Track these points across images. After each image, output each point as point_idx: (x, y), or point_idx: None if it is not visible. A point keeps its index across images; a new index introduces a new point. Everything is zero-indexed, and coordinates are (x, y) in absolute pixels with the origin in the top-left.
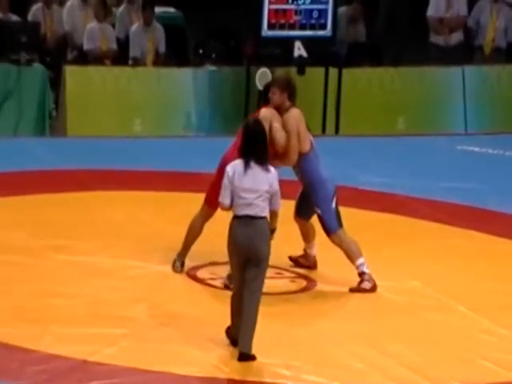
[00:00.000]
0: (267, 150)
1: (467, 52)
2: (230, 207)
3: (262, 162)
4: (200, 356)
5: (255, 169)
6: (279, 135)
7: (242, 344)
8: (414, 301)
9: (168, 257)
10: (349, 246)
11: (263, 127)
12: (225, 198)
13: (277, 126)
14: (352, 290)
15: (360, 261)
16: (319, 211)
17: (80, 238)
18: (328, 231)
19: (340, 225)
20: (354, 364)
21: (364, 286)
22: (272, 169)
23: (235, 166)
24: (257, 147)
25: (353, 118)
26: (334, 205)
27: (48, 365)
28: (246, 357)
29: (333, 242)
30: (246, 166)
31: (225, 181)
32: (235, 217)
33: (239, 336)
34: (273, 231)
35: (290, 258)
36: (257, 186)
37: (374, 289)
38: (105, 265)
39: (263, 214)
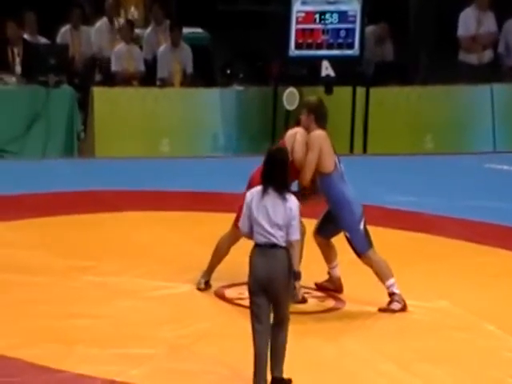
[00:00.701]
0: (287, 179)
1: (497, 71)
2: (250, 234)
3: (281, 190)
4: (230, 376)
5: (273, 197)
6: (298, 147)
7: (275, 370)
8: (442, 320)
9: (194, 277)
10: (379, 266)
11: (285, 155)
12: (244, 225)
13: (299, 139)
14: (381, 310)
15: (390, 281)
16: (348, 234)
17: (105, 258)
18: (358, 253)
19: (370, 245)
20: None
21: (394, 306)
22: (291, 197)
23: (254, 192)
24: (276, 175)
25: (380, 137)
26: (362, 226)
27: None
28: (279, 381)
29: (364, 262)
30: (264, 193)
31: (244, 207)
32: (255, 245)
33: (272, 364)
34: (296, 274)
35: (316, 285)
36: (272, 214)
37: (403, 309)
38: (130, 285)
39: (281, 244)
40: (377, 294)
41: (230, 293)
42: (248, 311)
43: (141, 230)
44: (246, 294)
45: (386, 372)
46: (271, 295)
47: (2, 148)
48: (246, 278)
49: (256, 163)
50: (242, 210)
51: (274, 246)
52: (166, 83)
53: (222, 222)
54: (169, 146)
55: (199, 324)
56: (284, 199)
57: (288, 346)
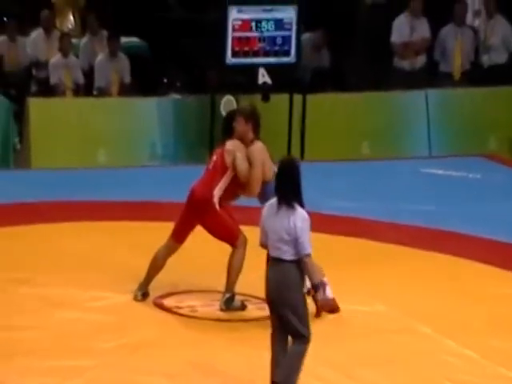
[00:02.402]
0: (297, 191)
1: (433, 77)
2: (267, 246)
3: (289, 203)
4: None
5: (282, 210)
6: (240, 164)
7: (278, 374)
8: (379, 324)
9: (132, 287)
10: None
11: (294, 167)
12: (261, 237)
13: (239, 155)
14: (317, 316)
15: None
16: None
17: (43, 270)
18: (304, 255)
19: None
20: None
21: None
22: (299, 211)
23: (268, 205)
24: (285, 188)
25: (317, 143)
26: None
27: None
28: None
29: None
30: (276, 207)
31: (260, 220)
32: (268, 257)
33: (278, 366)
34: (314, 287)
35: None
36: (278, 227)
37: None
38: (67, 296)
39: (288, 258)
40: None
41: (168, 302)
42: (188, 320)
43: (78, 241)
44: (185, 303)
45: (323, 377)
46: (280, 307)
47: None
48: (184, 287)
49: (194, 172)
50: (180, 222)
51: (281, 260)
52: (103, 93)
53: (160, 231)
54: (106, 156)
55: (138, 334)
56: (292, 214)
57: (226, 353)
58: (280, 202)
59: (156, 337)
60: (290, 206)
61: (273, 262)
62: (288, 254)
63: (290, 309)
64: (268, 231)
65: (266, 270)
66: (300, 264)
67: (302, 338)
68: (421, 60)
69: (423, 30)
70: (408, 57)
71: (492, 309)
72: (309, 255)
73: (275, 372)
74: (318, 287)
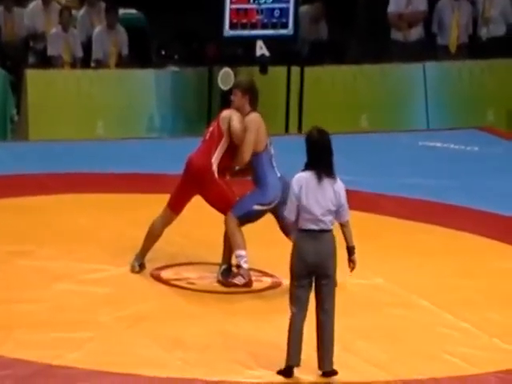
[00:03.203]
0: (332, 161)
1: (430, 50)
2: (296, 222)
3: (330, 174)
4: (166, 357)
5: (324, 183)
6: (235, 124)
7: (326, 364)
8: (377, 297)
9: (131, 259)
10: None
11: (328, 137)
12: (291, 213)
13: (235, 117)
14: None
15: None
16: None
17: (42, 242)
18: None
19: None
20: None
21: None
22: (338, 180)
23: (302, 180)
24: (325, 159)
25: (316, 116)
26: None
27: (11, 370)
28: (330, 374)
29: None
30: (316, 180)
31: (291, 196)
32: (301, 230)
33: (322, 356)
34: (350, 249)
35: None
36: (326, 201)
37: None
38: (67, 269)
39: (329, 227)
40: None
41: (166, 274)
42: (185, 292)
43: (76, 213)
44: (183, 275)
45: None
46: (321, 278)
47: None
48: (181, 259)
49: (192, 144)
50: (177, 192)
51: (322, 230)
52: (101, 65)
53: (158, 203)
54: (104, 128)
55: (136, 306)
56: (334, 183)
57: (224, 325)
58: (320, 174)
59: (154, 309)
60: (332, 177)
61: (312, 233)
62: (330, 224)
63: (332, 276)
64: (309, 206)
65: (297, 241)
66: (333, 232)
67: (333, 307)
68: (416, 32)
69: (419, 2)
70: (402, 28)
71: (491, 282)
72: (348, 220)
73: (325, 359)
74: (353, 249)
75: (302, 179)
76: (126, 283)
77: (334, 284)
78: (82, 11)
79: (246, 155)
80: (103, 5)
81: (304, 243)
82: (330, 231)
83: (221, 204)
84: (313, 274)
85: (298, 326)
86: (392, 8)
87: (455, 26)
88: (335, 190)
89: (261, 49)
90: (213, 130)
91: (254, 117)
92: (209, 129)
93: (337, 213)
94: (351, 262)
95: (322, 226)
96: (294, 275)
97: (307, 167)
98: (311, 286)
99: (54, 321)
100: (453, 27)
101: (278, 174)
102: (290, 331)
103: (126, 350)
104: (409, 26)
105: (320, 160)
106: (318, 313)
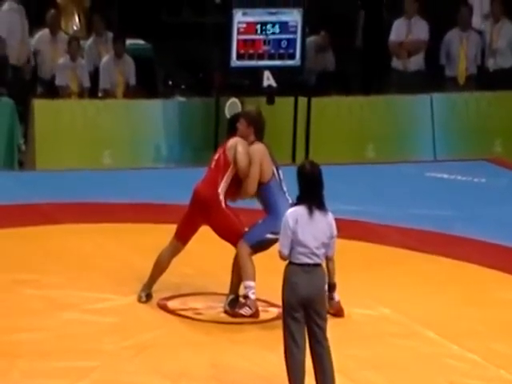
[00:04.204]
0: (323, 194)
1: (438, 81)
2: (290, 256)
3: (322, 206)
4: None
5: (317, 215)
6: (241, 157)
7: None
8: (383, 327)
9: (137, 289)
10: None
11: (320, 170)
12: (284, 248)
13: (240, 149)
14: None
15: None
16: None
17: (48, 271)
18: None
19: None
20: None
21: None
22: (329, 212)
23: (296, 214)
24: (317, 192)
25: (322, 146)
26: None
27: None
28: None
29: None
30: (309, 213)
31: (286, 230)
32: (293, 263)
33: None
34: (332, 286)
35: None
36: (319, 233)
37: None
38: (72, 298)
39: (321, 261)
40: None
41: (172, 304)
42: (191, 322)
43: (83, 242)
44: (189, 305)
45: None
46: (313, 312)
47: None
48: (188, 289)
49: (199, 174)
50: (184, 222)
51: (316, 264)
52: (108, 95)
53: (165, 233)
54: (111, 158)
55: (142, 335)
56: (325, 216)
57: (229, 355)
58: (311, 208)
59: (160, 339)
60: (323, 209)
61: (305, 267)
62: (322, 257)
63: (323, 310)
64: (304, 240)
65: (289, 275)
66: (323, 265)
67: (327, 338)
68: (415, 62)
69: (419, 31)
70: (402, 57)
71: (497, 313)
72: (333, 254)
73: None
74: (335, 286)
75: (296, 213)
76: (131, 313)
77: (326, 317)
78: (89, 41)
79: (251, 189)
80: (110, 35)
81: (297, 277)
82: (321, 265)
83: (229, 234)
84: (305, 307)
85: (300, 357)
86: (393, 37)
87: (463, 57)
88: (328, 221)
89: (268, 79)
90: (218, 158)
91: (258, 147)
92: (214, 157)
93: (327, 246)
94: (331, 299)
95: (316, 260)
96: (288, 308)
97: (299, 200)
98: (304, 318)
99: (59, 350)
100: (461, 58)
101: (289, 200)
102: (289, 364)
103: (131, 379)
104: (408, 55)
105: (311, 193)
106: (313, 346)
